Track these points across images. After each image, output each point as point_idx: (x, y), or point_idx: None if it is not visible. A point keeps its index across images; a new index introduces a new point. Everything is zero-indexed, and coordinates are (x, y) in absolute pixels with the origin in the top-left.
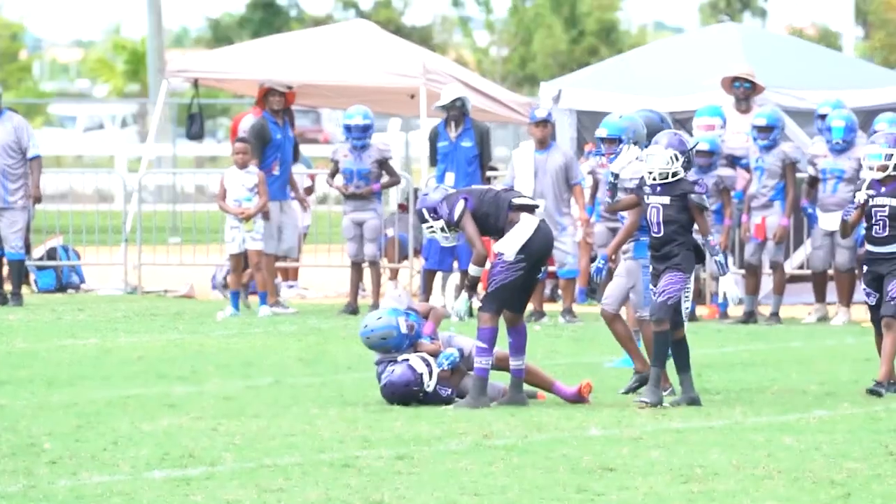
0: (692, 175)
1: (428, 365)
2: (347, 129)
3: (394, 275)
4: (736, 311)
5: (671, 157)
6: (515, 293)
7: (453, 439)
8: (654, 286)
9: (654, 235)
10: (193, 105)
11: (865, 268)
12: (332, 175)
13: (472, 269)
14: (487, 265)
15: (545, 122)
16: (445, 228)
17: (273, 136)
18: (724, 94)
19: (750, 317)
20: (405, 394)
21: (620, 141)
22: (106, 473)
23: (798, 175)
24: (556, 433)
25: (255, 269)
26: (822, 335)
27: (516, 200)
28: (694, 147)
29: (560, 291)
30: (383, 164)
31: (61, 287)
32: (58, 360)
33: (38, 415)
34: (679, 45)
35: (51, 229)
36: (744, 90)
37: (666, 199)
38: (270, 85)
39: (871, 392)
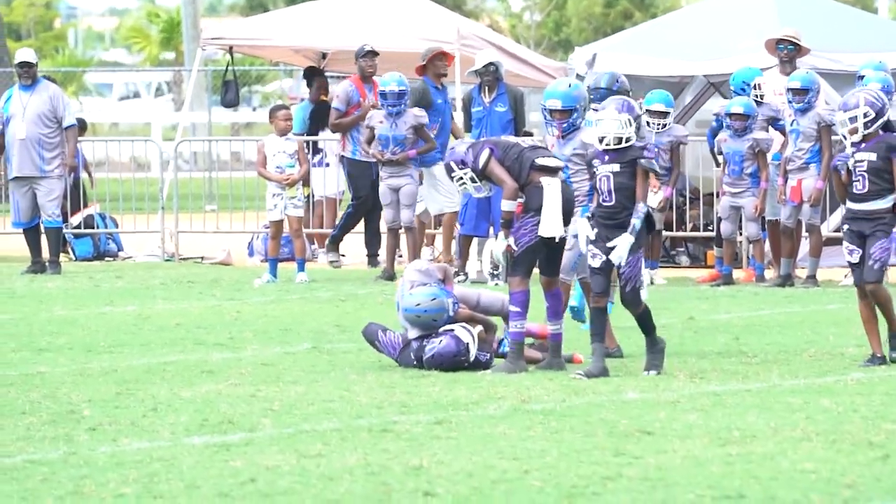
0: (642, 139)
1: (470, 333)
2: (382, 95)
3: (430, 240)
4: (772, 273)
5: (625, 122)
6: (543, 254)
7: (491, 404)
8: (604, 254)
9: (605, 204)
10: (228, 73)
11: (846, 227)
12: (368, 142)
13: (505, 205)
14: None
15: None
16: (475, 178)
17: (434, 101)
18: (758, 57)
19: (787, 280)
20: (452, 364)
21: (574, 111)
22: (146, 440)
23: (834, 137)
24: (593, 397)
25: (294, 236)
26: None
27: (540, 161)
28: (641, 114)
29: None
30: (419, 130)
31: (99, 255)
32: (96, 327)
33: (78, 381)
34: (713, 9)
35: (87, 197)
36: (788, 52)
37: (616, 167)
38: (439, 49)
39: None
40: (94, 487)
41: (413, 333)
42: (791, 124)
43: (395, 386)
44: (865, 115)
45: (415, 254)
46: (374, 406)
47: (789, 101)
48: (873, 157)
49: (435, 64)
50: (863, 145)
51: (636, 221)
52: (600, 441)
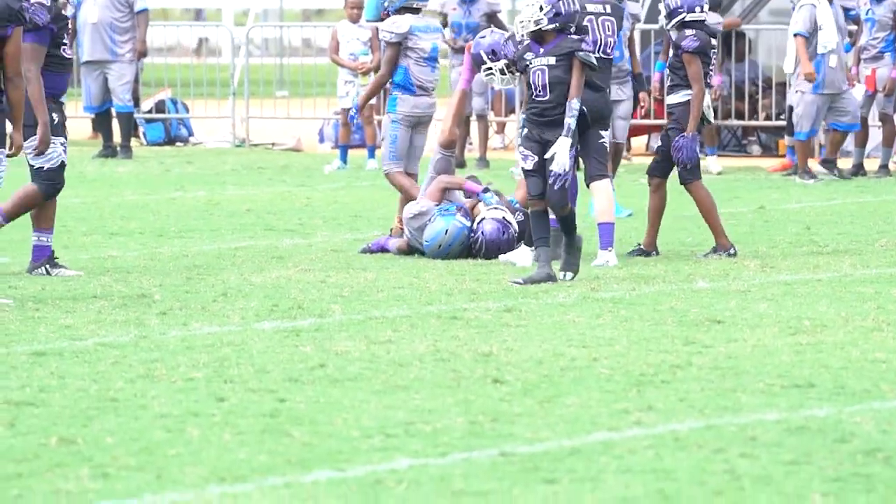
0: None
1: (498, 209)
2: None
3: (500, 128)
4: (845, 163)
5: (539, 7)
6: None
7: (561, 292)
8: (536, 154)
9: (539, 99)
10: None
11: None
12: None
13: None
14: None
15: None
16: (505, 70)
17: None
18: None
19: (859, 169)
20: (507, 241)
21: None
22: (216, 324)
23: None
24: (663, 286)
25: (365, 123)
26: None
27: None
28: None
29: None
30: (492, 17)
31: (170, 140)
32: (167, 212)
33: (149, 266)
34: None
35: (159, 83)
36: None
37: (552, 60)
38: None
39: None
40: (165, 371)
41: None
42: (866, 13)
43: (464, 273)
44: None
45: (484, 142)
46: (444, 293)
47: None
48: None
49: None
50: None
51: (570, 121)
52: (670, 330)
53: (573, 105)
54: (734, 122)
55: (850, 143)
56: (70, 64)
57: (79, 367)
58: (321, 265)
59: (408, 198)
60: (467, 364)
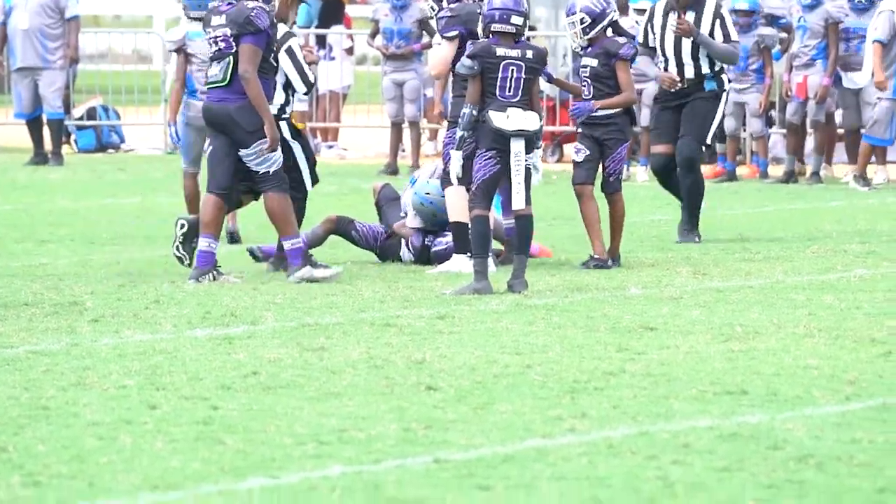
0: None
1: None
2: None
3: (433, 135)
4: (776, 170)
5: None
6: None
7: (494, 299)
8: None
9: None
10: None
11: (579, 130)
12: (373, 35)
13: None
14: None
15: None
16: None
17: None
18: None
19: (791, 176)
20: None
21: None
22: (148, 332)
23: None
24: (596, 293)
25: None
26: (862, 194)
27: None
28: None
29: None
30: (424, 23)
31: (101, 147)
32: (98, 219)
33: (80, 273)
34: None
35: (90, 89)
36: None
37: None
38: None
39: None
40: (97, 379)
41: (414, 221)
42: (798, 20)
43: (397, 280)
44: (582, 21)
45: (416, 148)
46: (377, 300)
47: None
48: (595, 62)
49: None
50: (588, 50)
51: (459, 132)
52: (603, 336)
53: (463, 111)
54: None
55: (781, 150)
56: (276, 72)
57: (9, 374)
58: (254, 271)
59: (187, 199)
60: (401, 371)
